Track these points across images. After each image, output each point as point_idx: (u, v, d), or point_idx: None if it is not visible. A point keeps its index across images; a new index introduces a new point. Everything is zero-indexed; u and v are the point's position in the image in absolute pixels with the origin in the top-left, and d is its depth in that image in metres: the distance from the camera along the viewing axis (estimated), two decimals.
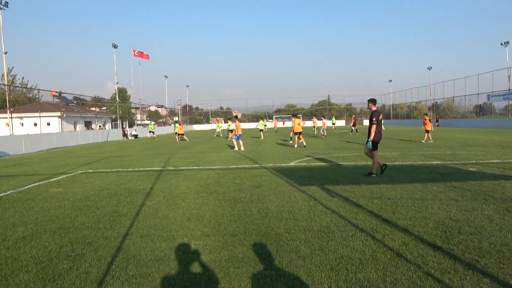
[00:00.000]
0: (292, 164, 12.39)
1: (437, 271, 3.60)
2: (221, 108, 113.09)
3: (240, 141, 19.80)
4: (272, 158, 14.27)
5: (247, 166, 12.14)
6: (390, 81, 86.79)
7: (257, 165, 12.20)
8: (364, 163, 11.81)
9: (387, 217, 5.49)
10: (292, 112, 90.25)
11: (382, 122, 9.26)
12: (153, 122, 46.52)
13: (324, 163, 12.12)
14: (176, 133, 33.55)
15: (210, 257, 4.18)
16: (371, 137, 9.08)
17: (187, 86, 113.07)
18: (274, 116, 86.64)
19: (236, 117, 23.89)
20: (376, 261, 3.89)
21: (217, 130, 41.22)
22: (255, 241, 4.63)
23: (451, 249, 4.17)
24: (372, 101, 9.43)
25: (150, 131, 38.99)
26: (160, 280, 3.62)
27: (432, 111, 64.14)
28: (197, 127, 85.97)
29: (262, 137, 30.69)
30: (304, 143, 19.76)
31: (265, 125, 35.01)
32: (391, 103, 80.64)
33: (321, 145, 20.66)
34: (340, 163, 12.02)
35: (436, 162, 11.43)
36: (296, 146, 19.40)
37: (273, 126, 47.66)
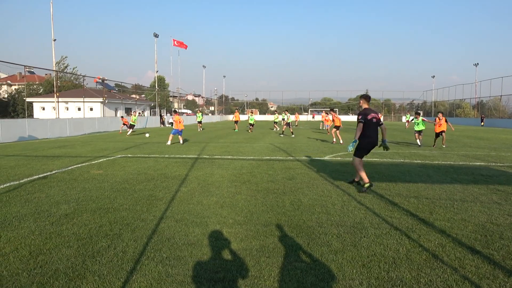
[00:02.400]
0: (326, 158, 12.25)
1: (474, 276, 3.46)
2: (257, 99, 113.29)
3: (180, 136, 17.80)
4: (306, 151, 14.17)
5: (280, 158, 12.12)
6: (433, 76, 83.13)
7: (291, 158, 12.16)
8: (401, 160, 11.48)
9: (423, 217, 5.33)
10: (328, 105, 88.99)
11: (381, 123, 7.38)
12: (200, 110, 38.37)
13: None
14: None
15: (242, 245, 4.23)
16: (356, 138, 7.30)
17: (224, 76, 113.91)
18: (310, 109, 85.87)
19: (175, 111, 20.97)
20: (410, 261, 3.80)
21: (249, 122, 39.53)
22: (287, 233, 4.64)
23: (491, 254, 3.99)
24: (365, 97, 7.62)
25: (198, 121, 32.37)
26: (193, 264, 3.71)
27: (477, 109, 61.20)
28: (232, 117, 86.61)
29: (276, 129, 31.78)
30: (341, 140, 18.77)
31: (283, 119, 32.76)
32: (433, 100, 77.64)
33: (349, 140, 20.25)
34: (376, 159, 11.74)
35: (478, 163, 10.92)
36: (334, 141, 19.04)
37: (294, 120, 45.16)
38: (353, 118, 76.43)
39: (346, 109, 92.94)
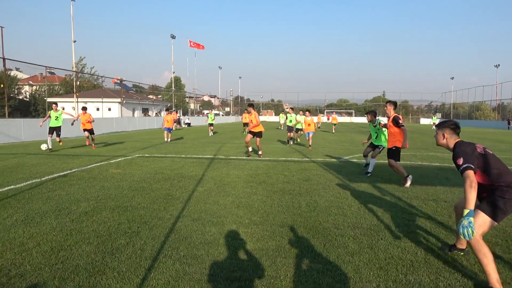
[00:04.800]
0: (343, 159, 12.17)
1: None
2: (272, 100, 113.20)
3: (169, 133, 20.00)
4: (322, 153, 14.10)
5: (296, 159, 12.10)
6: (452, 78, 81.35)
7: (307, 159, 12.13)
8: (419, 163, 11.32)
9: (442, 220, 5.25)
10: (344, 107, 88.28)
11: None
12: (213, 111, 34.49)
13: (376, 161, 11.75)
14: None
15: (258, 245, 4.25)
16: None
17: (240, 77, 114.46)
18: (326, 111, 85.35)
19: (172, 110, 23.64)
20: (429, 264, 3.75)
21: (281, 122, 34.98)
22: (303, 234, 4.64)
23: None
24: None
25: (209, 123, 27.47)
26: (210, 263, 3.75)
27: (497, 112, 59.76)
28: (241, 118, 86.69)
29: (281, 128, 32.85)
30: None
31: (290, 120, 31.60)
32: (452, 102, 76.24)
33: None
34: None
35: None
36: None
37: (317, 121, 44.64)
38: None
39: (362, 110, 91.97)
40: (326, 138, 23.65)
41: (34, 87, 56.66)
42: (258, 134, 12.69)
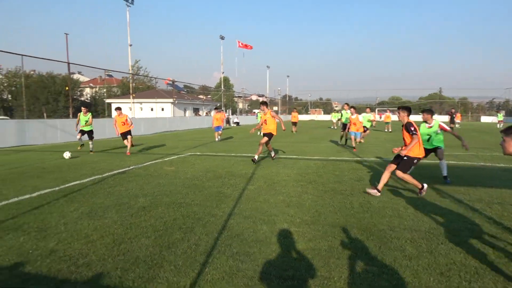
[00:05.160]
0: None
1: None
2: (321, 99, 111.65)
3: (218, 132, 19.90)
4: (374, 152, 13.68)
5: (347, 158, 11.85)
6: None
7: (358, 158, 11.83)
8: (482, 163, 10.62)
9: (510, 225, 4.89)
10: (397, 105, 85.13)
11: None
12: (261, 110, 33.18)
13: (434, 161, 11.19)
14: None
15: (310, 245, 4.21)
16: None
17: (288, 76, 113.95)
18: (377, 109, 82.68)
19: (221, 109, 22.59)
20: (496, 272, 3.51)
21: (334, 121, 34.99)
22: (356, 235, 4.53)
23: None
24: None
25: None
26: (262, 260, 3.77)
27: None
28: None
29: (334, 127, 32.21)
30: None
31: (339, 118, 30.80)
32: None
33: None
34: (452, 162, 10.99)
35: None
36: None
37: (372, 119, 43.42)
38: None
39: (416, 108, 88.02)
40: (379, 137, 22.91)
41: (94, 89, 60.22)
42: (267, 135, 11.26)
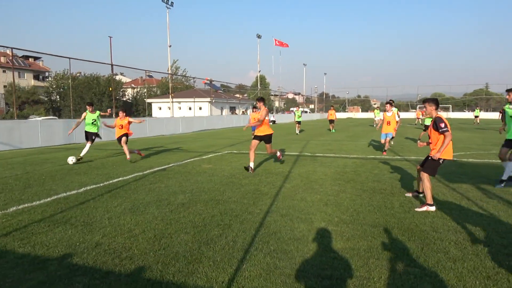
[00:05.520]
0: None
1: None
2: (359, 96, 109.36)
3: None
4: (415, 151, 13.22)
5: (387, 157, 11.53)
6: None
7: (398, 157, 11.49)
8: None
9: None
10: (440, 102, 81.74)
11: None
12: (300, 108, 30.34)
13: (479, 160, 10.69)
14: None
15: (348, 244, 4.15)
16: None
17: (325, 73, 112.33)
18: (418, 106, 79.82)
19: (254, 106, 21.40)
20: None
21: (376, 119, 31.03)
22: (397, 235, 4.41)
23: None
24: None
25: (296, 121, 25.52)
26: (300, 259, 3.76)
27: None
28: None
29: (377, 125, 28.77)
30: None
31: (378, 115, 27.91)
32: None
33: (477, 139, 18.23)
34: (498, 161, 10.41)
35: None
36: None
37: (415, 117, 42.11)
38: (468, 115, 68.83)
39: (461, 105, 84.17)
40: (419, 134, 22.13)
41: (136, 90, 62.34)
42: (265, 139, 9.27)
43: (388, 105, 12.71)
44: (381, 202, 5.92)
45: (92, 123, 11.52)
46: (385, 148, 12.56)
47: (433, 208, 5.44)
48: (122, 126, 11.18)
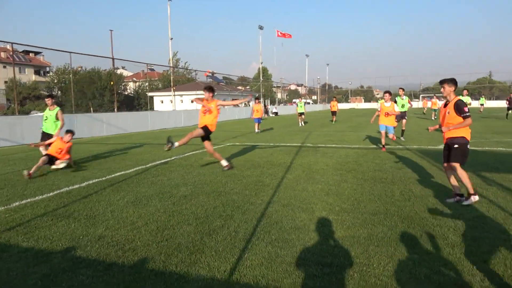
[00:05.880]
0: (440, 147, 11.25)
1: None
2: (362, 86, 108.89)
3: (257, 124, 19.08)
4: (417, 140, 13.23)
5: (388, 146, 11.53)
6: None
7: (400, 147, 11.49)
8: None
9: None
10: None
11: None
12: (303, 100, 30.58)
13: (479, 148, 10.68)
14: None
15: (349, 232, 4.20)
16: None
17: (328, 64, 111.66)
18: (421, 96, 79.41)
19: (257, 98, 21.19)
20: None
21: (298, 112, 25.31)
22: (397, 223, 4.45)
23: None
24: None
25: (299, 113, 24.17)
26: (301, 247, 3.81)
27: None
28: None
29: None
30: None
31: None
32: None
33: (479, 127, 18.17)
34: (501, 148, 10.43)
35: None
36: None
37: (422, 106, 41.73)
38: (473, 103, 68.31)
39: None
40: (422, 124, 22.07)
41: (137, 83, 62.30)
42: (204, 129, 8.31)
43: (386, 94, 11.21)
44: (381, 191, 5.96)
45: (46, 120, 9.39)
46: (383, 144, 10.97)
47: (477, 198, 5.14)
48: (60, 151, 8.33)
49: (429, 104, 34.65)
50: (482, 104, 40.28)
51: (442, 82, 5.60)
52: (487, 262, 3.36)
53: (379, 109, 11.23)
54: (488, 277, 3.08)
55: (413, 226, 4.33)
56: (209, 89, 8.59)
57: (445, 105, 5.61)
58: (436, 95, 46.73)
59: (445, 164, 5.60)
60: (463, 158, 5.33)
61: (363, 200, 5.46)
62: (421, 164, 8.22)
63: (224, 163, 8.13)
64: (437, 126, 5.89)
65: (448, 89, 5.50)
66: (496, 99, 61.84)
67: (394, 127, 11.16)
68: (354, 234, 4.14)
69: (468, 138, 5.38)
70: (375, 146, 11.76)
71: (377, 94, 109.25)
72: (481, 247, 3.69)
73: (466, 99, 14.14)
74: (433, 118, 27.09)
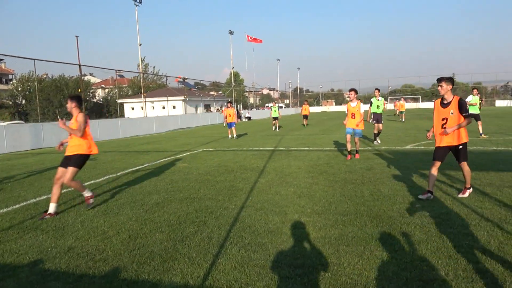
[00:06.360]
0: (408, 147, 11.67)
1: None
2: (332, 90, 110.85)
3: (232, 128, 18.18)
4: (386, 141, 13.61)
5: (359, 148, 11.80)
6: None
7: (370, 148, 11.80)
8: (494, 148, 10.50)
9: None
10: (410, 92, 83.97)
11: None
12: (277, 104, 30.51)
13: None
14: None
15: (320, 233, 4.28)
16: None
17: (298, 68, 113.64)
18: (389, 97, 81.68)
19: (229, 102, 20.14)
20: (503, 253, 3.53)
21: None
22: (366, 222, 4.58)
23: None
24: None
25: (273, 117, 23.73)
26: (273, 250, 3.86)
27: None
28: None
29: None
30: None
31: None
32: None
33: None
34: None
35: None
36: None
37: (394, 108, 42.44)
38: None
39: (430, 95, 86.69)
40: (391, 125, 22.72)
41: (106, 90, 60.90)
42: (70, 159, 5.76)
43: (352, 92, 9.69)
44: (352, 192, 6.11)
45: None
46: (349, 149, 9.66)
47: (471, 190, 5.60)
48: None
49: (395, 106, 35.37)
50: None
51: (440, 80, 5.44)
52: (451, 257, 3.51)
53: (346, 110, 10.05)
54: (451, 272, 3.23)
55: (381, 225, 4.47)
56: (74, 98, 5.86)
57: (443, 104, 5.49)
58: (404, 97, 48.16)
59: (438, 163, 5.57)
60: (467, 155, 5.54)
61: (334, 202, 5.58)
62: (390, 165, 8.47)
63: (87, 194, 5.81)
64: (432, 133, 5.75)
65: (446, 87, 5.37)
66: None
67: (360, 132, 9.90)
68: (325, 235, 4.23)
69: (467, 140, 5.49)
70: (345, 148, 12.00)
71: (348, 97, 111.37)
72: (446, 242, 3.85)
73: (476, 99, 14.16)
74: (401, 120, 27.69)
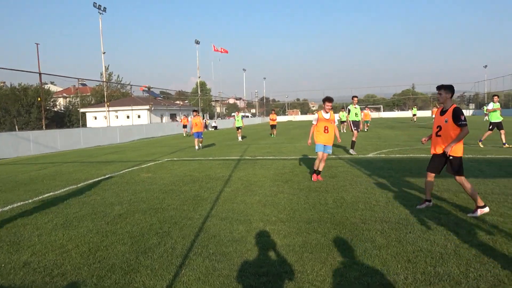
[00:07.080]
0: (370, 155, 12.02)
1: None
2: (298, 99, 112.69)
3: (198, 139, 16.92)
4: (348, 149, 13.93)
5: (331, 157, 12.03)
6: (485, 66, 77.63)
7: (333, 156, 12.05)
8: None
9: None
10: (371, 102, 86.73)
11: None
12: (241, 113, 30.20)
13: (405, 155, 11.56)
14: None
15: (285, 241, 4.32)
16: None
17: (264, 78, 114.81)
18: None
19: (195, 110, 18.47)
20: (458, 256, 3.70)
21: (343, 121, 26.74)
22: (330, 229, 4.66)
23: None
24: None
25: (237, 127, 23.51)
26: (238, 259, 3.85)
27: None
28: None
29: (344, 130, 29.25)
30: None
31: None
32: (486, 91, 73.23)
33: (403, 136, 19.64)
34: (422, 155, 11.34)
35: None
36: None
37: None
38: (400, 114, 74.02)
39: (391, 105, 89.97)
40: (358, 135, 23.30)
41: (68, 99, 58.87)
42: None
43: (326, 102, 8.15)
44: (316, 200, 6.21)
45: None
46: (316, 168, 8.03)
47: (487, 209, 4.99)
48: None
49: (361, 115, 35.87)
50: (414, 114, 43.32)
51: (439, 88, 5.35)
52: (411, 261, 3.64)
53: (314, 122, 8.28)
54: (410, 275, 3.34)
55: (344, 231, 4.57)
56: None
57: (442, 112, 5.37)
58: (368, 106, 49.53)
59: (432, 175, 5.49)
60: (462, 170, 5.19)
61: (298, 209, 5.65)
62: (353, 172, 8.69)
63: None
64: (428, 139, 5.72)
65: (445, 95, 5.26)
66: (419, 109, 67.07)
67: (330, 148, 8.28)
68: (289, 242, 4.27)
69: (460, 154, 5.22)
70: (310, 156, 12.21)
71: (313, 106, 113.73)
72: (405, 247, 3.99)
73: (496, 106, 13.37)
74: (365, 130, 28.15)
